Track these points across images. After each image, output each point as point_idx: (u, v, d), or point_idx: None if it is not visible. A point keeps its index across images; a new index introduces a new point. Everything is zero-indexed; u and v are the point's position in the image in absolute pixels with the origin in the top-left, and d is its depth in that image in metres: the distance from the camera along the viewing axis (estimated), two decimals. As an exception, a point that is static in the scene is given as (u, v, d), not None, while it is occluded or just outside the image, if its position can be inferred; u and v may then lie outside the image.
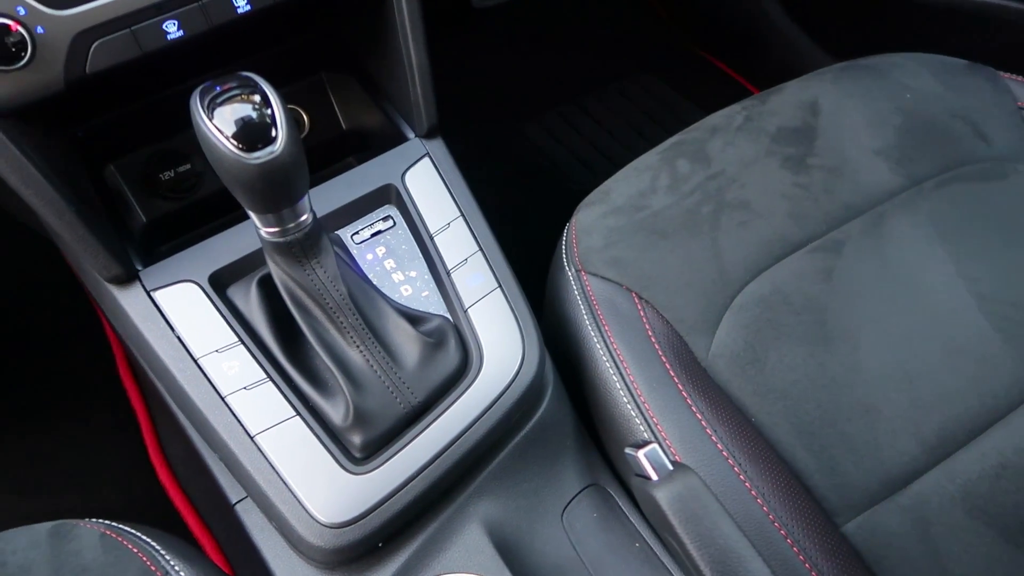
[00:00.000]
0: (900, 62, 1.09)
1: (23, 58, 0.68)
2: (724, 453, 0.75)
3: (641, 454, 0.64)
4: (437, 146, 0.92)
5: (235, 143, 0.58)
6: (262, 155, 0.58)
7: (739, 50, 1.90)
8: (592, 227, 0.93)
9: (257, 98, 0.59)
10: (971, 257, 0.89)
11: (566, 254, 0.93)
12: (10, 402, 1.38)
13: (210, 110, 0.58)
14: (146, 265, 0.80)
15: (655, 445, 0.65)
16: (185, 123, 0.95)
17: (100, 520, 0.73)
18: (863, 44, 1.33)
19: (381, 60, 0.95)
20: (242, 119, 0.58)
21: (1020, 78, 1.06)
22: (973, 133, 1.00)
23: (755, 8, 1.75)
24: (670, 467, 0.65)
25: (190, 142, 0.97)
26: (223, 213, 0.97)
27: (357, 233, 0.87)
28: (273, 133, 0.59)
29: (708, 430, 0.77)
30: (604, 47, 2.00)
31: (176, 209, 0.96)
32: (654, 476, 0.65)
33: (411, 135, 0.93)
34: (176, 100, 0.93)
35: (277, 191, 0.62)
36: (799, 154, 0.97)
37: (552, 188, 1.72)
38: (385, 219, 0.88)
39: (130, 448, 1.30)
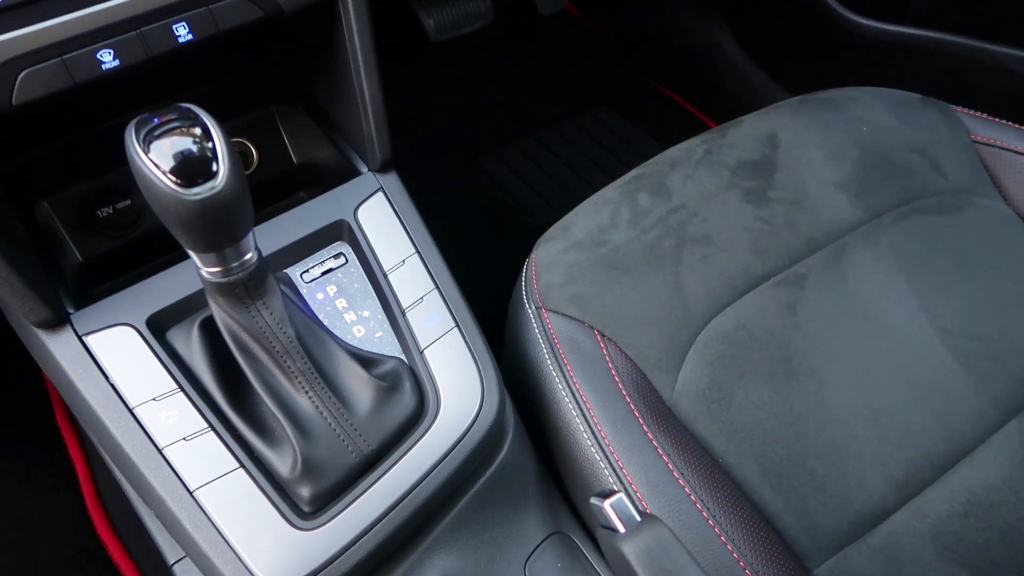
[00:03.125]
0: (856, 96, 1.10)
1: (-60, 88, 0.63)
2: (692, 498, 0.72)
3: (607, 504, 0.61)
4: (391, 180, 0.89)
5: (173, 178, 0.54)
6: (202, 191, 0.54)
7: (694, 83, 1.91)
8: (552, 263, 0.91)
9: (197, 131, 0.56)
10: (932, 290, 0.89)
11: (526, 291, 0.90)
12: None
13: (146, 143, 0.55)
14: (79, 307, 0.75)
15: (621, 495, 0.62)
16: (123, 157, 0.92)
17: None
18: (816, 78, 1.34)
19: (332, 92, 0.92)
20: (181, 152, 0.54)
21: (972, 112, 1.07)
22: (929, 166, 1.00)
23: (709, 42, 1.77)
24: (638, 518, 0.62)
25: (129, 177, 0.92)
26: (166, 251, 0.92)
27: (307, 271, 0.83)
28: (214, 167, 0.55)
29: (675, 473, 0.74)
30: (560, 81, 2.00)
31: (115, 247, 0.91)
32: (621, 528, 0.62)
33: (364, 169, 0.90)
34: (115, 133, 0.88)
35: (218, 229, 0.58)
36: (759, 187, 0.97)
37: (510, 223, 1.70)
38: (336, 256, 0.84)
39: (67, 501, 1.22)
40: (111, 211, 0.90)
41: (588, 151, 1.82)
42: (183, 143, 0.55)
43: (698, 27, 1.79)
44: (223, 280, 0.64)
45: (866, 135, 1.04)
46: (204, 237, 0.59)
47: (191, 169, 0.54)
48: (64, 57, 0.68)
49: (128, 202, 0.90)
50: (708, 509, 0.72)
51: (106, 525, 1.17)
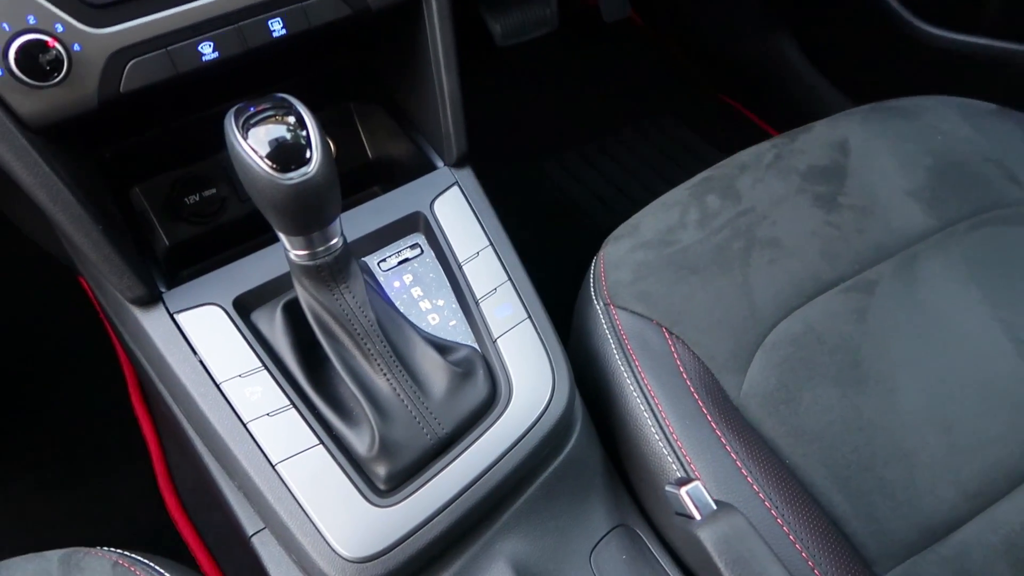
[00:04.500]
0: (929, 104, 1.09)
1: (58, 75, 0.67)
2: (761, 495, 0.73)
3: (683, 492, 0.62)
4: (466, 175, 0.91)
5: (269, 163, 0.56)
6: (295, 176, 0.57)
7: (757, 93, 1.90)
8: (621, 261, 0.92)
9: (292, 119, 0.58)
10: (1006, 301, 0.87)
11: (594, 287, 0.91)
12: (20, 430, 1.36)
13: (245, 130, 0.57)
14: (169, 288, 0.79)
15: (698, 483, 0.63)
16: (211, 148, 0.96)
17: (111, 549, 0.70)
18: (884, 88, 1.33)
19: (411, 88, 0.94)
20: (276, 140, 0.57)
21: (1049, 123, 1.05)
22: (1005, 176, 0.99)
23: (774, 51, 1.76)
24: (714, 506, 0.63)
25: (216, 167, 0.96)
26: (245, 239, 0.96)
27: (384, 260, 0.85)
28: (308, 154, 0.58)
29: (744, 471, 0.74)
30: (623, 88, 2.01)
31: (199, 234, 0.95)
32: (697, 515, 0.62)
33: (440, 164, 0.93)
34: (203, 125, 0.93)
35: (309, 213, 0.61)
36: (830, 193, 0.96)
37: (571, 226, 1.71)
38: (413, 247, 0.87)
39: (139, 478, 1.27)
40: (198, 199, 0.93)
41: (649, 158, 1.83)
42: (279, 130, 0.57)
43: (762, 36, 1.78)
44: (310, 263, 0.66)
45: (940, 144, 1.03)
46: (295, 220, 0.62)
47: (286, 155, 0.57)
48: (168, 48, 0.72)
49: (213, 191, 0.94)
50: (776, 508, 0.72)
51: (176, 502, 1.22)
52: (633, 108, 1.94)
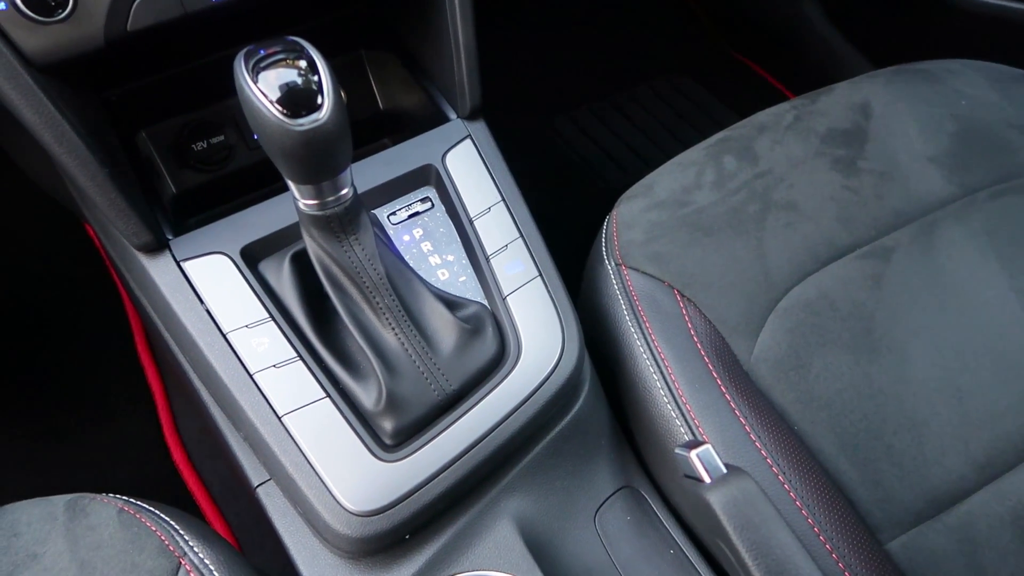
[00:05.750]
0: (955, 68, 1.06)
1: (63, 11, 0.65)
2: (768, 461, 0.72)
3: (693, 454, 0.61)
4: (479, 128, 0.89)
5: (279, 108, 0.55)
6: (306, 122, 0.55)
7: (776, 53, 1.86)
8: (634, 221, 0.90)
9: (303, 63, 0.56)
10: (1025, 271, 0.86)
11: (606, 247, 0.90)
12: (25, 376, 1.36)
13: (254, 73, 0.55)
14: (175, 235, 0.78)
15: (708, 446, 0.62)
16: (220, 94, 0.94)
17: (117, 496, 0.70)
18: (908, 51, 1.30)
19: (424, 37, 0.92)
20: (287, 84, 0.55)
21: (1079, 90, 1.02)
22: (1030, 144, 0.97)
23: (794, 11, 1.72)
24: (724, 470, 0.62)
25: (224, 114, 0.94)
26: (252, 189, 0.94)
27: (394, 213, 0.84)
28: (319, 100, 0.56)
29: (752, 436, 0.74)
30: (638, 45, 1.97)
31: (205, 182, 0.93)
32: (707, 478, 0.62)
33: (453, 116, 0.91)
34: (211, 69, 0.90)
35: (320, 161, 0.59)
36: (849, 156, 0.94)
37: (580, 184, 1.68)
38: (423, 200, 0.85)
39: (144, 426, 1.27)
40: (205, 146, 0.92)
41: (663, 117, 1.80)
42: (290, 75, 0.56)
43: (784, -5, 1.74)
44: (319, 213, 0.65)
45: (964, 109, 1.00)
46: (305, 168, 0.60)
47: (297, 100, 0.55)
48: None
49: (221, 138, 0.92)
50: (784, 473, 0.72)
51: (181, 451, 1.22)
52: (648, 66, 1.90)
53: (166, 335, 0.81)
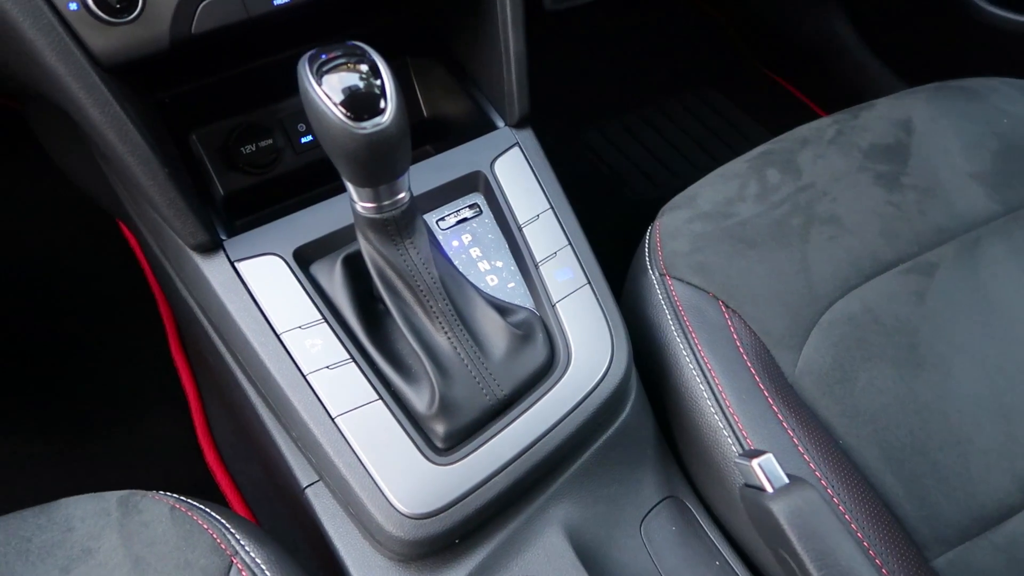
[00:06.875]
0: (997, 86, 1.06)
1: (132, 13, 0.66)
2: (817, 474, 0.72)
3: (755, 463, 0.61)
4: (527, 136, 0.90)
5: (343, 111, 0.55)
6: (369, 126, 0.56)
7: (806, 70, 1.87)
8: (677, 231, 0.91)
9: (365, 67, 0.57)
10: (1070, 290, 0.86)
11: (649, 257, 0.90)
12: (58, 376, 1.37)
13: (319, 76, 0.56)
14: (228, 236, 0.78)
15: (770, 455, 0.62)
16: (269, 97, 0.95)
17: (168, 493, 0.71)
18: (942, 69, 1.30)
19: (473, 45, 0.93)
20: (351, 88, 0.56)
21: (1121, 110, 1.02)
22: (1073, 163, 0.97)
23: (825, 28, 1.72)
24: (786, 479, 0.62)
25: (272, 117, 0.95)
26: (298, 192, 0.95)
27: (443, 219, 0.84)
28: (382, 104, 0.56)
29: (800, 448, 0.74)
30: (668, 59, 1.97)
31: (253, 184, 0.94)
32: (769, 487, 0.62)
33: (500, 124, 0.91)
34: (262, 73, 0.91)
35: (381, 164, 0.60)
36: (892, 172, 0.95)
37: (609, 196, 1.69)
38: (472, 207, 0.86)
39: (176, 428, 1.27)
40: (254, 149, 0.92)
41: (692, 131, 1.80)
42: (353, 78, 0.56)
43: (814, 13, 1.74)
44: (376, 216, 0.65)
45: (1006, 127, 1.00)
46: (366, 171, 0.61)
47: (360, 104, 0.56)
48: None
49: (270, 141, 0.93)
50: (833, 487, 0.72)
51: (214, 454, 1.22)
52: (678, 80, 1.91)
53: (214, 336, 0.81)
